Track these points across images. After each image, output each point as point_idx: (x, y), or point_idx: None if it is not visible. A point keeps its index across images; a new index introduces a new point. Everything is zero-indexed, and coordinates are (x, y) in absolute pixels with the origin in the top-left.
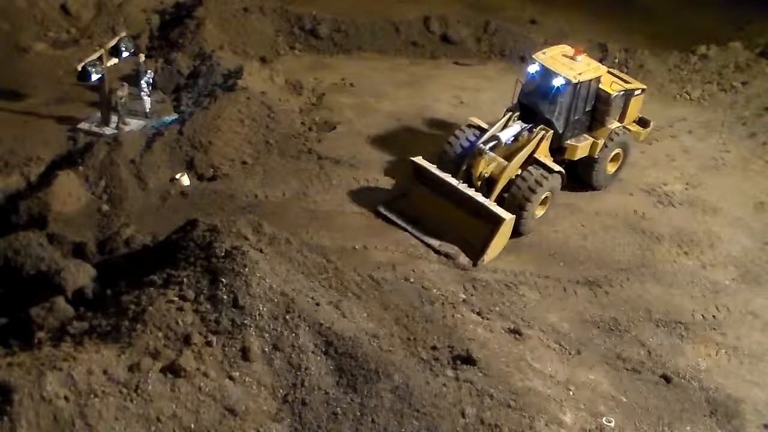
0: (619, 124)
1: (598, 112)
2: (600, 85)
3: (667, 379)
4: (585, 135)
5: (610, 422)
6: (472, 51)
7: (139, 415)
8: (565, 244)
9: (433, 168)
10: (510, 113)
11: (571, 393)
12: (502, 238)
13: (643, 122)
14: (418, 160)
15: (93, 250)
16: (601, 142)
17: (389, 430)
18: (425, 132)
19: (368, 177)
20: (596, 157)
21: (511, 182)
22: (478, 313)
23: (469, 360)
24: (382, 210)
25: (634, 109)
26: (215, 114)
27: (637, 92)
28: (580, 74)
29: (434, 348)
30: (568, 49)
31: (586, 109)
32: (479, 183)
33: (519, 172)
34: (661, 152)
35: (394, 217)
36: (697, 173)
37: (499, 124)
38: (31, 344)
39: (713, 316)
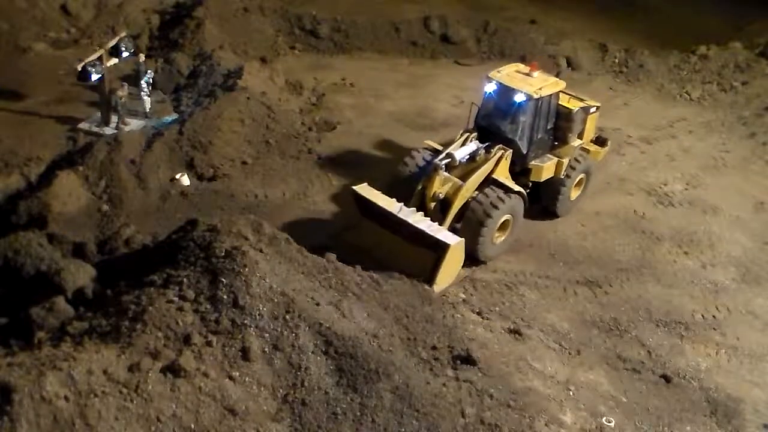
0: (581, 142)
1: (560, 130)
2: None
3: (667, 379)
4: (548, 155)
5: (610, 422)
6: (472, 51)
7: (139, 415)
8: (565, 244)
9: (374, 197)
10: (467, 134)
11: (571, 393)
12: (451, 264)
13: (600, 141)
14: (360, 189)
15: (93, 250)
16: (565, 161)
17: (389, 430)
18: (425, 132)
19: (368, 177)
20: (562, 178)
21: (466, 204)
22: (478, 313)
23: (469, 360)
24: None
25: (591, 128)
26: (215, 114)
27: (592, 109)
28: (540, 89)
29: (434, 348)
30: (522, 67)
31: (548, 127)
32: (433, 205)
33: (476, 194)
34: (661, 152)
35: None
36: (697, 173)
37: (455, 144)
38: (31, 344)
39: (713, 316)
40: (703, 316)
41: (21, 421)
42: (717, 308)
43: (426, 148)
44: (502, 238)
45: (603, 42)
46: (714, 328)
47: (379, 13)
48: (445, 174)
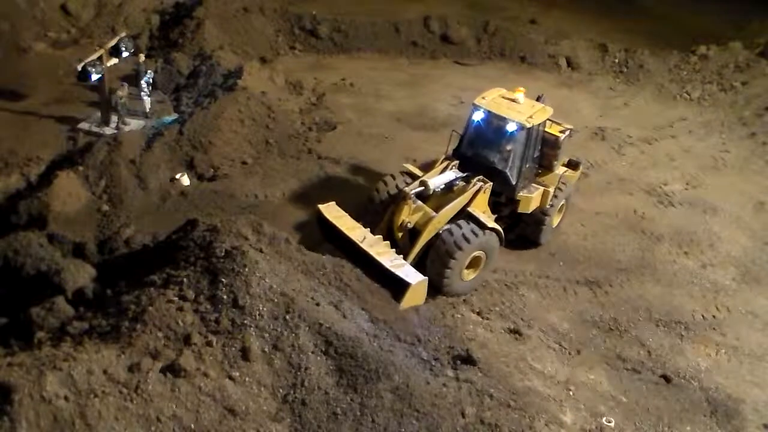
0: (565, 170)
1: (546, 157)
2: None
3: (667, 379)
4: (533, 185)
5: (610, 422)
6: (472, 51)
7: (139, 415)
8: (565, 244)
9: (338, 221)
10: (447, 161)
11: (571, 393)
12: (413, 298)
13: (572, 165)
14: (326, 209)
15: (93, 250)
16: (551, 189)
17: (389, 430)
18: (425, 132)
19: (368, 177)
20: (548, 206)
21: (437, 237)
22: (478, 313)
23: (469, 360)
24: None
25: (565, 151)
26: (215, 114)
27: (567, 133)
28: (531, 117)
29: (434, 348)
30: (505, 92)
31: (535, 156)
32: (401, 234)
33: (448, 226)
34: (661, 152)
35: None
36: (697, 173)
37: (433, 171)
38: (31, 344)
39: (713, 316)
40: (703, 316)
41: (21, 421)
42: (717, 308)
43: (402, 172)
44: (473, 276)
45: (603, 42)
46: (714, 328)
47: (379, 13)
48: (418, 202)
